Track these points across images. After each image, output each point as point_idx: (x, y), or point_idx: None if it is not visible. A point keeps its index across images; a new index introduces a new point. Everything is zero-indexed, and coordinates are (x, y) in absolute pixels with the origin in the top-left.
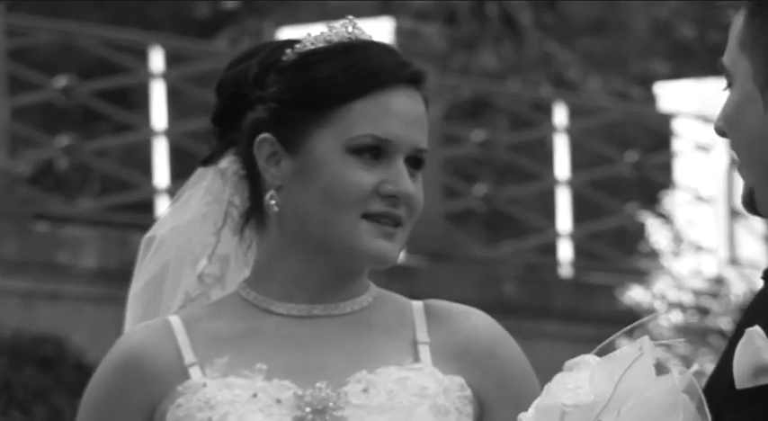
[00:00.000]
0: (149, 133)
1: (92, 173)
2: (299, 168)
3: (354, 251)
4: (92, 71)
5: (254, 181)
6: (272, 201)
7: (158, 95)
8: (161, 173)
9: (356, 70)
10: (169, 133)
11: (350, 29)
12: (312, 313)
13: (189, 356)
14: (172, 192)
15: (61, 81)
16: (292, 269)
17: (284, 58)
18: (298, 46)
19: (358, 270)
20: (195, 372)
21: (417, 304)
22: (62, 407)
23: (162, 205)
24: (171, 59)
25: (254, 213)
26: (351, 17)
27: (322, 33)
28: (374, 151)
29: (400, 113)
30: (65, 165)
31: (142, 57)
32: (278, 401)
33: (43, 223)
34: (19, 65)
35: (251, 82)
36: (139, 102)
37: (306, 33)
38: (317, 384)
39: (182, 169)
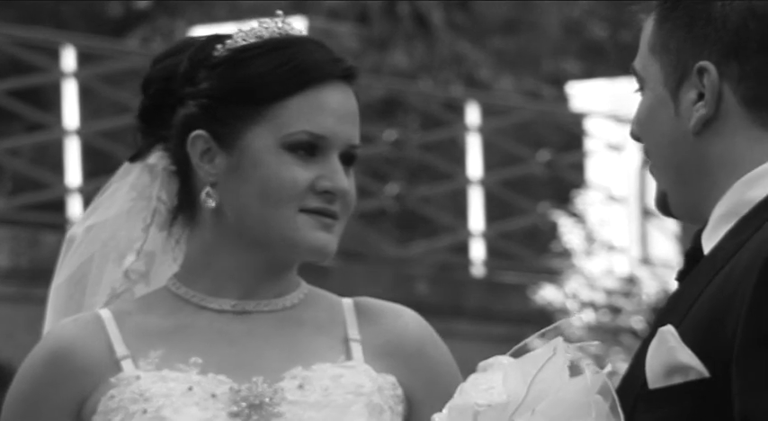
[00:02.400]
0: (61, 132)
1: (3, 172)
2: (234, 165)
3: (294, 244)
4: (3, 70)
5: (184, 177)
6: (209, 199)
7: (70, 94)
8: (73, 172)
9: (290, 67)
10: (81, 132)
11: (280, 24)
12: (244, 309)
13: (121, 349)
14: (84, 191)
15: None
16: (225, 264)
17: (215, 53)
18: (229, 41)
19: (292, 263)
20: (128, 365)
21: (348, 301)
22: None
23: (74, 204)
24: (83, 58)
25: (184, 209)
26: (281, 12)
27: (252, 29)
28: (309, 147)
29: (334, 109)
30: None
31: (54, 56)
32: (213, 396)
33: None
34: None
35: (181, 78)
36: (51, 101)
37: (237, 29)
38: (253, 379)
39: (94, 168)
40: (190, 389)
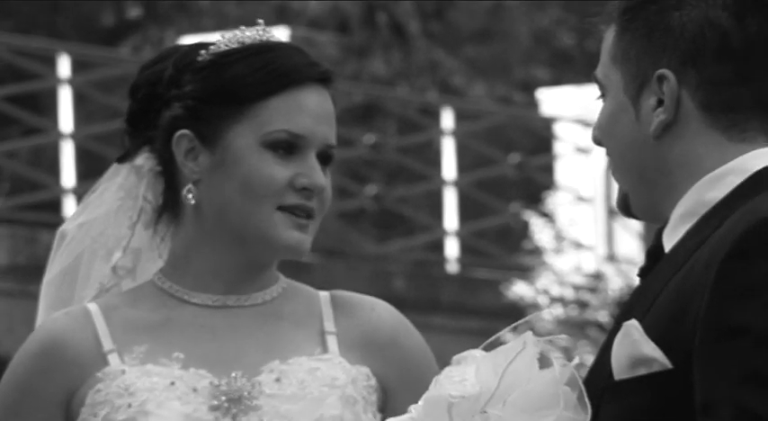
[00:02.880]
0: (57, 136)
1: (2, 173)
2: (216, 162)
3: (270, 241)
4: (1, 77)
5: (170, 176)
6: (190, 195)
7: (65, 100)
8: (68, 174)
9: (270, 69)
10: (75, 136)
11: (261, 32)
12: (226, 303)
13: (107, 343)
14: (78, 191)
15: None
16: (207, 260)
17: (199, 58)
18: (212, 47)
19: (270, 260)
20: (114, 359)
21: (324, 294)
22: None
23: (69, 204)
24: (77, 66)
25: (169, 207)
26: (261, 21)
27: (235, 35)
28: (288, 146)
29: (311, 110)
30: None
31: (50, 63)
32: (194, 390)
33: None
34: None
35: (166, 82)
36: (48, 106)
37: (219, 35)
38: (233, 374)
39: (88, 170)
40: (172, 383)
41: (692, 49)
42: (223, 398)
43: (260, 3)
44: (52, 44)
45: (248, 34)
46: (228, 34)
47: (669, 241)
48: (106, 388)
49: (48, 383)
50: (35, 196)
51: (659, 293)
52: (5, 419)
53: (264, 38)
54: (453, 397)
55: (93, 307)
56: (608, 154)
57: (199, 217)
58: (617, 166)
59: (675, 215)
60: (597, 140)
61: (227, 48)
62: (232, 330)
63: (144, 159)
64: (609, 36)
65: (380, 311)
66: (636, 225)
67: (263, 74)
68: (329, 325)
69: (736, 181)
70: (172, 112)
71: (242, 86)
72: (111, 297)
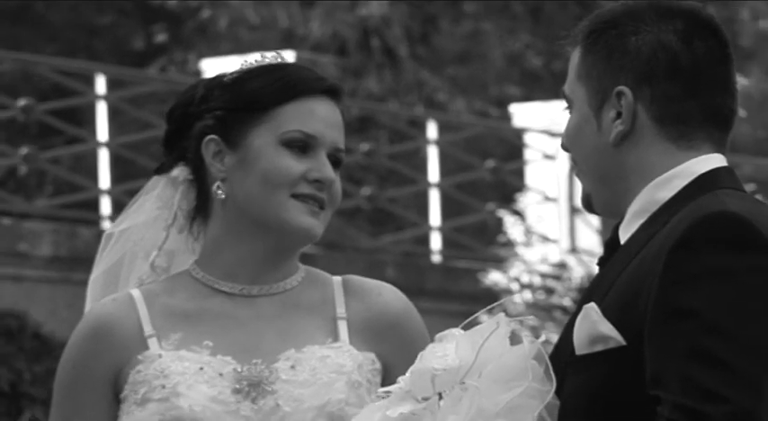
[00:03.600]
0: (94, 144)
1: (47, 177)
2: (239, 160)
3: (285, 225)
4: (47, 94)
5: (201, 180)
6: (219, 191)
7: (102, 114)
8: (104, 177)
9: (284, 81)
10: (110, 145)
11: (276, 56)
12: (251, 293)
13: (148, 328)
14: (113, 193)
15: (22, 102)
16: (234, 251)
17: (225, 78)
18: (236, 69)
19: (291, 247)
20: (153, 344)
21: (337, 280)
22: (23, 370)
23: (105, 204)
24: (112, 84)
25: (201, 208)
26: (279, 52)
27: (256, 61)
28: (302, 145)
29: (322, 116)
30: (25, 171)
31: (89, 82)
32: (220, 374)
33: (7, 218)
34: None
35: (198, 100)
36: (86, 119)
37: (236, 57)
38: (254, 361)
39: (121, 174)
40: (201, 368)
41: (646, 69)
42: (244, 382)
43: (270, 29)
44: (90, 65)
45: (266, 59)
46: (250, 59)
47: (624, 234)
48: (145, 369)
49: (99, 362)
50: (75, 196)
51: (615, 280)
52: (66, 396)
53: (279, 61)
54: (436, 369)
55: (136, 293)
56: (573, 159)
57: (225, 211)
58: (581, 170)
59: (630, 212)
60: (565, 148)
61: (248, 67)
62: (255, 319)
63: (179, 171)
64: (575, 57)
65: (387, 296)
66: (595, 221)
67: (279, 85)
68: (341, 310)
69: (682, 183)
70: (202, 123)
71: (261, 95)
72: (152, 284)
